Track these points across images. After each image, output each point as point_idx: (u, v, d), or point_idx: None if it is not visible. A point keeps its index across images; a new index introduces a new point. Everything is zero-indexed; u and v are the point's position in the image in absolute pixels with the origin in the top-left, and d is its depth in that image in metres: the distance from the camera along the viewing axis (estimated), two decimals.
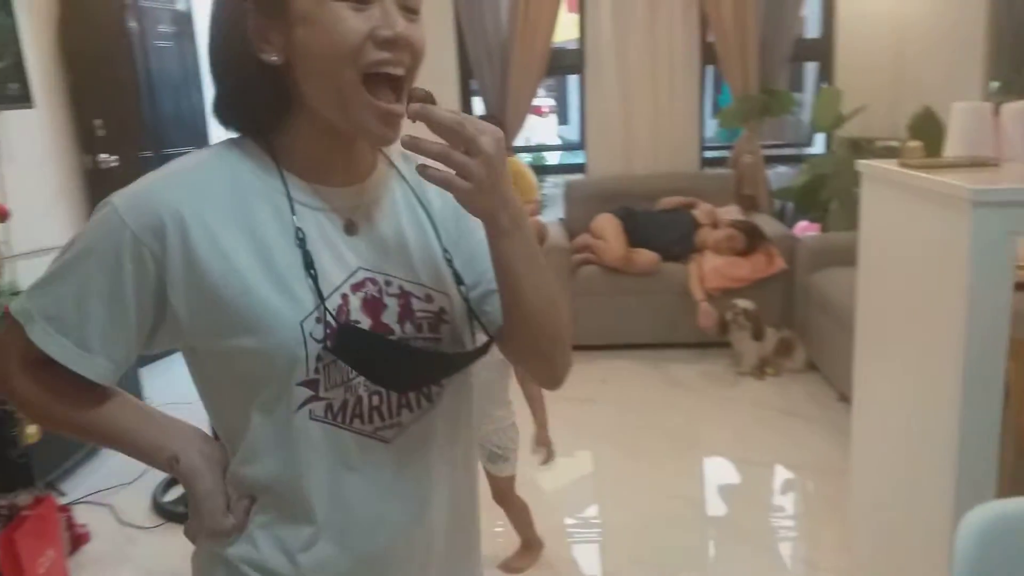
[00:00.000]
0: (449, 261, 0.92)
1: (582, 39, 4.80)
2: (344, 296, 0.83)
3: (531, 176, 4.60)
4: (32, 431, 2.21)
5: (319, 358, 0.81)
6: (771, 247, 4.15)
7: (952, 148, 2.03)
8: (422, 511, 0.89)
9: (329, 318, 0.80)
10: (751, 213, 4.62)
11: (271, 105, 0.84)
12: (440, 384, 0.90)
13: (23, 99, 3.31)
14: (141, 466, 3.03)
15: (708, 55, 4.78)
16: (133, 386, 3.47)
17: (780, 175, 5.21)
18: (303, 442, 0.82)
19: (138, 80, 4.09)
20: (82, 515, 2.73)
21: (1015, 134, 1.96)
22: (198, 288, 0.80)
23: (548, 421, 2.47)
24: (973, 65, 3.74)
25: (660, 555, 2.58)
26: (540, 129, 9.81)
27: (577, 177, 5.02)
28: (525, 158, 5.48)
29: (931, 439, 1.81)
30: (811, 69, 5.41)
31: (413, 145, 0.77)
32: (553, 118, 11.24)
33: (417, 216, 0.93)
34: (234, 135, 0.88)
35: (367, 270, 0.86)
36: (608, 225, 4.29)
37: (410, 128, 0.80)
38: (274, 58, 0.80)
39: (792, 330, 4.03)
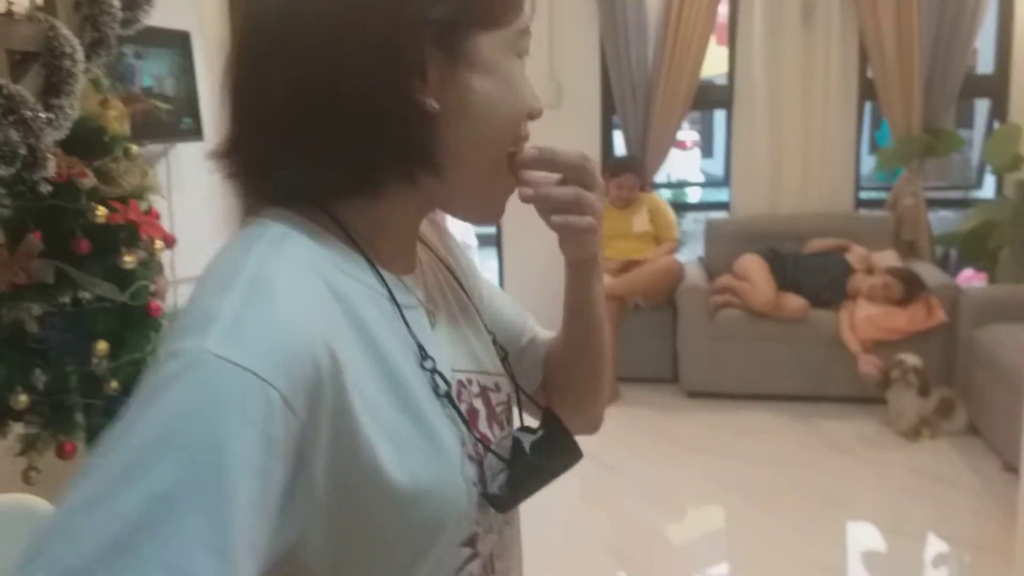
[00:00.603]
0: (490, 332, 0.80)
1: (731, 73, 4.67)
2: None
3: (670, 213, 4.50)
4: None
5: (479, 505, 0.66)
6: (931, 297, 3.84)
7: None
8: None
9: (485, 452, 0.67)
10: (910, 260, 4.31)
11: (395, 163, 0.63)
12: None
13: (195, 133, 3.57)
14: None
15: (867, 90, 4.54)
16: None
17: (943, 219, 4.86)
18: None
19: None
20: None
21: None
22: (345, 462, 0.56)
23: None
24: None
25: None
26: (682, 163, 9.64)
27: (720, 215, 4.87)
28: (664, 194, 5.38)
29: None
30: (981, 106, 5.03)
31: (545, 196, 0.69)
32: (696, 152, 11.04)
33: (453, 288, 0.78)
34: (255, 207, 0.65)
35: (456, 371, 0.70)
36: (754, 267, 4.12)
37: None
38: (435, 105, 0.62)
39: (952, 389, 3.71)
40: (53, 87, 1.68)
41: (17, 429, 2.19)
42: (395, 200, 0.65)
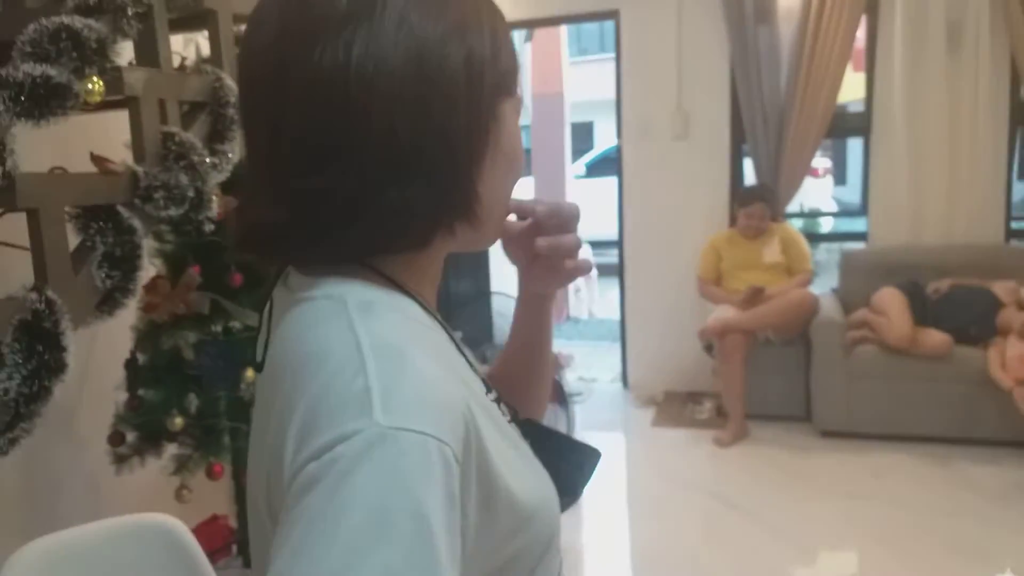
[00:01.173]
0: None
1: (869, 99, 4.50)
2: None
3: (804, 244, 4.36)
4: None
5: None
6: None
7: None
8: None
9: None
10: None
11: (448, 218, 0.65)
12: None
13: None
14: None
15: (1019, 114, 4.27)
16: None
17: None
18: None
19: None
20: None
21: None
22: (488, 498, 0.59)
23: None
24: None
25: None
26: (814, 191, 9.32)
27: (856, 246, 4.67)
28: (796, 224, 5.22)
29: None
30: None
31: (554, 244, 0.79)
32: (828, 179, 10.64)
33: None
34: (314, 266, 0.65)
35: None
36: (892, 301, 3.93)
37: None
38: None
39: None
40: (218, 134, 1.83)
41: (171, 450, 2.37)
42: (436, 249, 0.67)
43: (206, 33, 2.00)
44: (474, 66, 0.62)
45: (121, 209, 1.62)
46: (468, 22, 0.63)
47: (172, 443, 2.31)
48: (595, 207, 8.69)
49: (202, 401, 2.26)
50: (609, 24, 4.72)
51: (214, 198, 1.79)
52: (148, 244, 1.72)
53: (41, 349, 1.44)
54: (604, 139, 13.50)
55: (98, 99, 1.55)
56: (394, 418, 0.51)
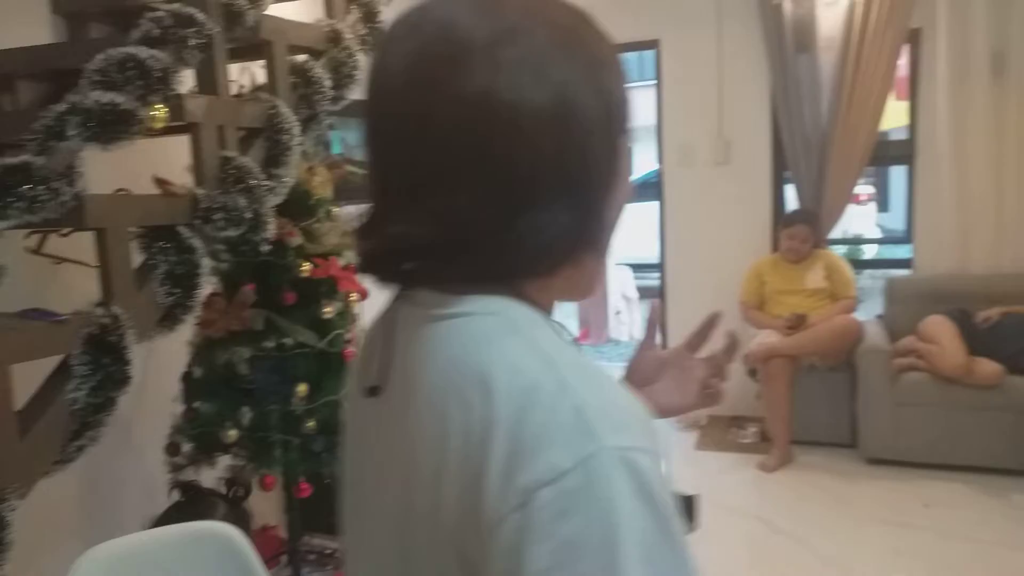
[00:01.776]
0: None
1: (913, 127, 4.47)
2: None
3: (848, 271, 4.33)
4: None
5: None
6: None
7: None
8: None
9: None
10: None
11: (580, 245, 0.65)
12: None
13: None
14: None
15: None
16: None
17: None
18: None
19: None
20: None
21: None
22: None
23: None
24: None
25: None
26: (857, 218, 9.21)
27: (901, 273, 4.61)
28: (840, 250, 5.17)
29: None
30: None
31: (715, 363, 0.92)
32: (871, 206, 10.51)
33: None
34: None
35: None
36: (942, 329, 3.86)
37: None
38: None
39: None
40: (273, 158, 1.91)
41: (225, 461, 2.44)
42: (565, 278, 0.66)
43: (260, 62, 2.10)
44: (606, 100, 0.63)
45: (182, 229, 1.70)
46: (602, 57, 0.64)
47: (226, 454, 2.38)
48: (635, 230, 8.73)
49: (255, 414, 2.33)
50: (648, 52, 4.77)
51: (270, 220, 1.86)
52: (205, 262, 1.80)
53: (107, 362, 1.52)
54: (643, 164, 13.51)
55: (161, 125, 1.64)
56: (621, 439, 0.52)
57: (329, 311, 2.34)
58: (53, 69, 2.05)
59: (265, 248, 1.94)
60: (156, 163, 1.99)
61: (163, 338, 1.73)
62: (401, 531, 0.62)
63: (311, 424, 2.29)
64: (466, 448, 0.55)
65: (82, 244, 1.87)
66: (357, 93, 2.30)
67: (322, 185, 2.46)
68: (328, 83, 2.08)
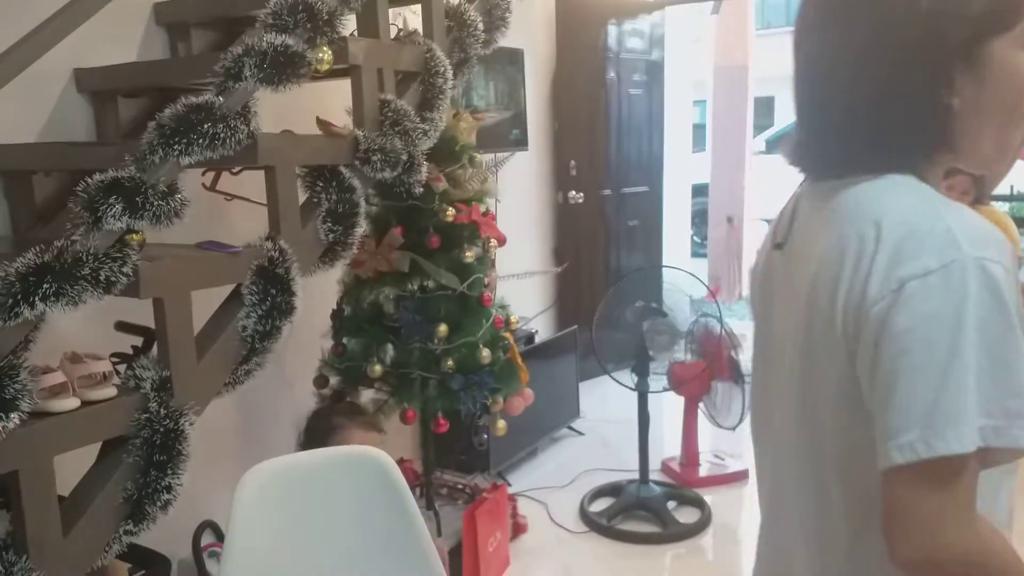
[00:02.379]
0: None
1: None
2: None
3: (1013, 229, 4.01)
4: (501, 425, 2.55)
5: None
6: None
7: None
8: None
9: None
10: None
11: (928, 148, 0.81)
12: None
13: (522, 143, 3.88)
14: (574, 471, 3.43)
15: None
16: (572, 402, 3.83)
17: None
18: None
19: (609, 125, 4.52)
20: (523, 507, 3.09)
21: None
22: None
23: None
24: None
25: None
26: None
27: None
28: (1003, 207, 4.81)
29: None
30: None
31: None
32: None
33: None
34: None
35: None
36: None
37: None
38: (955, 101, 0.78)
39: None
40: (427, 102, 1.95)
41: (369, 394, 2.56)
42: (929, 174, 0.82)
43: (415, 6, 2.13)
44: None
45: (343, 169, 1.77)
46: None
47: (369, 388, 2.50)
48: (775, 184, 8.38)
49: (398, 352, 2.43)
50: None
51: (424, 163, 1.91)
52: (362, 202, 1.87)
53: (274, 292, 1.61)
54: (784, 114, 12.90)
55: (326, 67, 1.70)
56: (977, 250, 0.70)
57: (470, 256, 2.39)
58: (223, 18, 2.16)
59: (418, 191, 1.99)
60: (314, 107, 2.07)
61: (315, 276, 1.82)
62: (804, 333, 0.82)
63: (449, 363, 2.37)
64: (859, 259, 0.75)
65: (250, 183, 1.98)
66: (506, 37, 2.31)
67: (466, 131, 2.49)
68: (481, 26, 2.09)
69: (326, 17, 1.65)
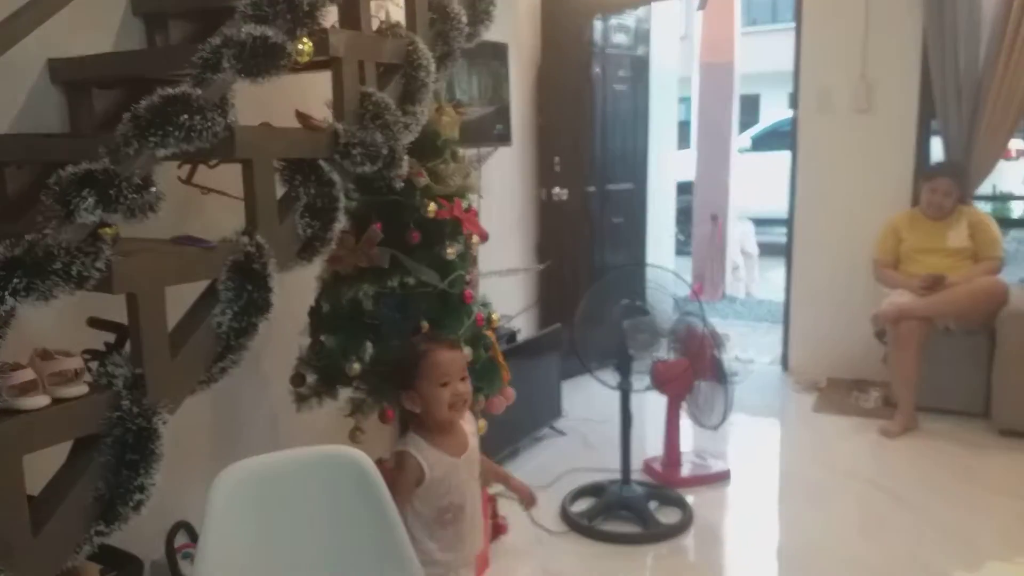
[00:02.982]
0: None
1: None
2: None
3: (994, 229, 4.04)
4: (482, 424, 2.53)
5: None
6: None
7: None
8: None
9: None
10: None
11: None
12: None
13: (505, 138, 3.85)
14: (556, 471, 3.42)
15: None
16: (554, 401, 3.81)
17: None
18: None
19: (594, 121, 4.50)
20: (503, 507, 3.05)
21: None
22: None
23: None
24: None
25: None
26: (1007, 174, 8.55)
27: None
28: (986, 208, 4.84)
29: None
30: None
31: None
32: (1022, 162, 9.74)
33: None
34: None
35: None
36: None
37: None
38: None
39: None
40: (409, 95, 1.92)
41: (346, 393, 2.53)
42: None
43: (397, 0, 2.10)
44: None
45: (322, 163, 1.73)
46: None
47: (348, 387, 2.47)
48: (760, 183, 8.40)
49: (378, 349, 2.40)
50: None
51: (405, 157, 1.88)
52: (342, 197, 1.84)
53: (250, 288, 1.58)
54: (769, 112, 12.96)
55: (306, 59, 1.67)
56: None
57: (452, 252, 2.36)
58: (202, 8, 2.12)
59: (398, 185, 1.96)
60: (293, 100, 2.04)
61: (292, 273, 1.79)
62: None
63: None
64: None
65: (227, 177, 1.95)
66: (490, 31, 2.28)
67: (449, 125, 2.46)
68: (464, 20, 2.06)
69: (307, 8, 1.62)
